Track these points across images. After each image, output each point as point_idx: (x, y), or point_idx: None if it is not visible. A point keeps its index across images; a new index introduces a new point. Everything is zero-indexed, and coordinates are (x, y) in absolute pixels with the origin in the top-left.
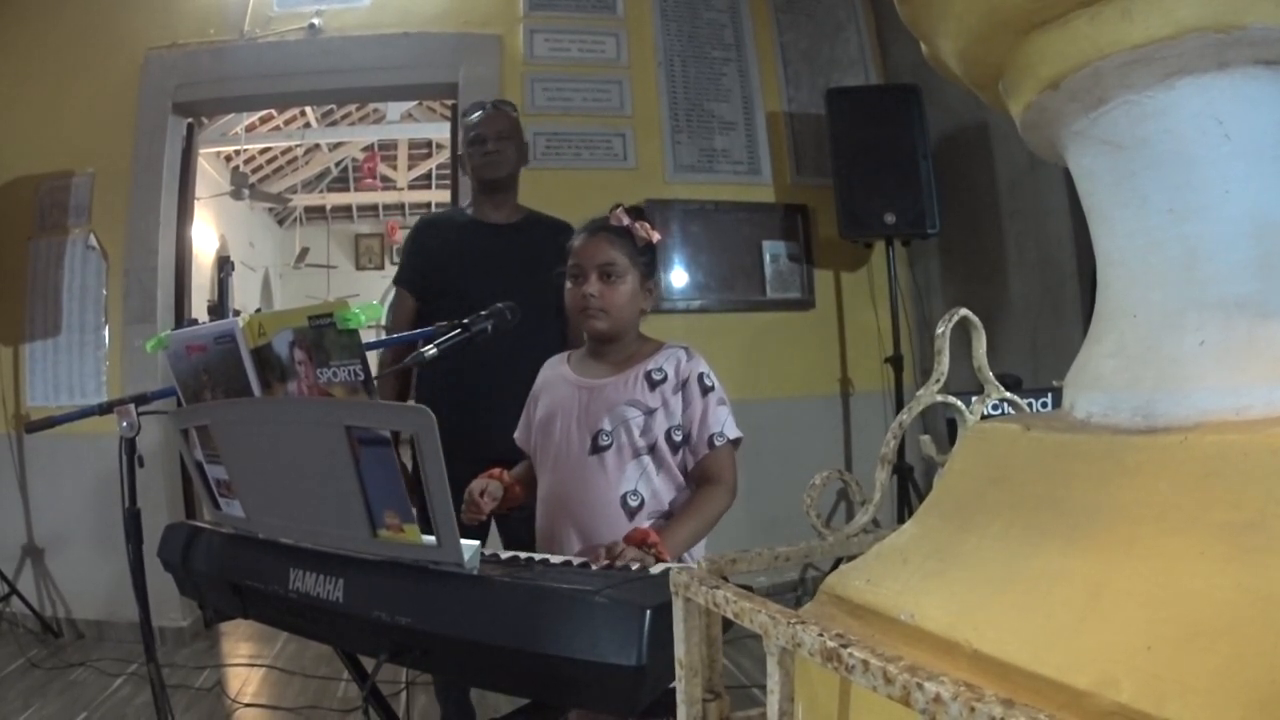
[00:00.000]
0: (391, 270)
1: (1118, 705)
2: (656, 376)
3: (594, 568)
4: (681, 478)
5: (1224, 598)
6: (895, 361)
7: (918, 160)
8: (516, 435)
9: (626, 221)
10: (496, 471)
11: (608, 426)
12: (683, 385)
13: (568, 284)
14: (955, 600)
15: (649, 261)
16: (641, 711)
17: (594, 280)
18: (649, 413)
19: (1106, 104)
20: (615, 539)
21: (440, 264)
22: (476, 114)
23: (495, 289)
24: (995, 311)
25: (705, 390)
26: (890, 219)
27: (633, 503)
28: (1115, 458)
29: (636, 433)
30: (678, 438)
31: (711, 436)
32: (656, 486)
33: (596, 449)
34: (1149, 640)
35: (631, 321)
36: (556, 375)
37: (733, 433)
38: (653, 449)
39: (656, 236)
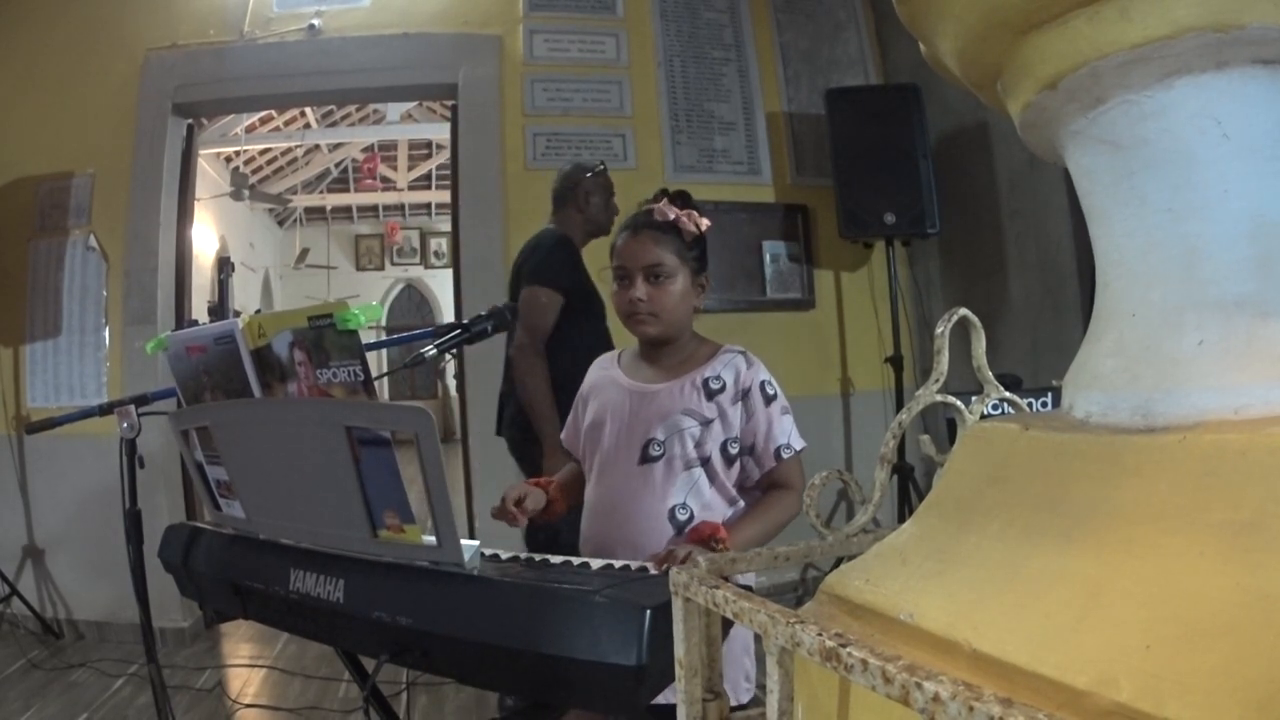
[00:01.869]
0: (392, 270)
1: (1117, 705)
2: (714, 385)
3: (653, 571)
4: (734, 491)
5: (1223, 597)
6: (895, 361)
7: (917, 160)
8: (563, 436)
9: (673, 215)
10: (544, 480)
11: (660, 436)
12: (744, 395)
13: (614, 286)
14: (954, 600)
15: (699, 255)
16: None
17: (640, 283)
18: (705, 423)
19: (1105, 104)
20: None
21: (583, 276)
22: (604, 167)
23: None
24: (995, 311)
25: (768, 400)
26: (890, 219)
27: (681, 516)
28: (1114, 457)
29: (690, 444)
30: (734, 450)
31: (779, 449)
32: (707, 500)
33: (646, 459)
34: (1148, 640)
35: (684, 322)
36: (607, 377)
37: (799, 443)
38: (706, 461)
39: (706, 224)
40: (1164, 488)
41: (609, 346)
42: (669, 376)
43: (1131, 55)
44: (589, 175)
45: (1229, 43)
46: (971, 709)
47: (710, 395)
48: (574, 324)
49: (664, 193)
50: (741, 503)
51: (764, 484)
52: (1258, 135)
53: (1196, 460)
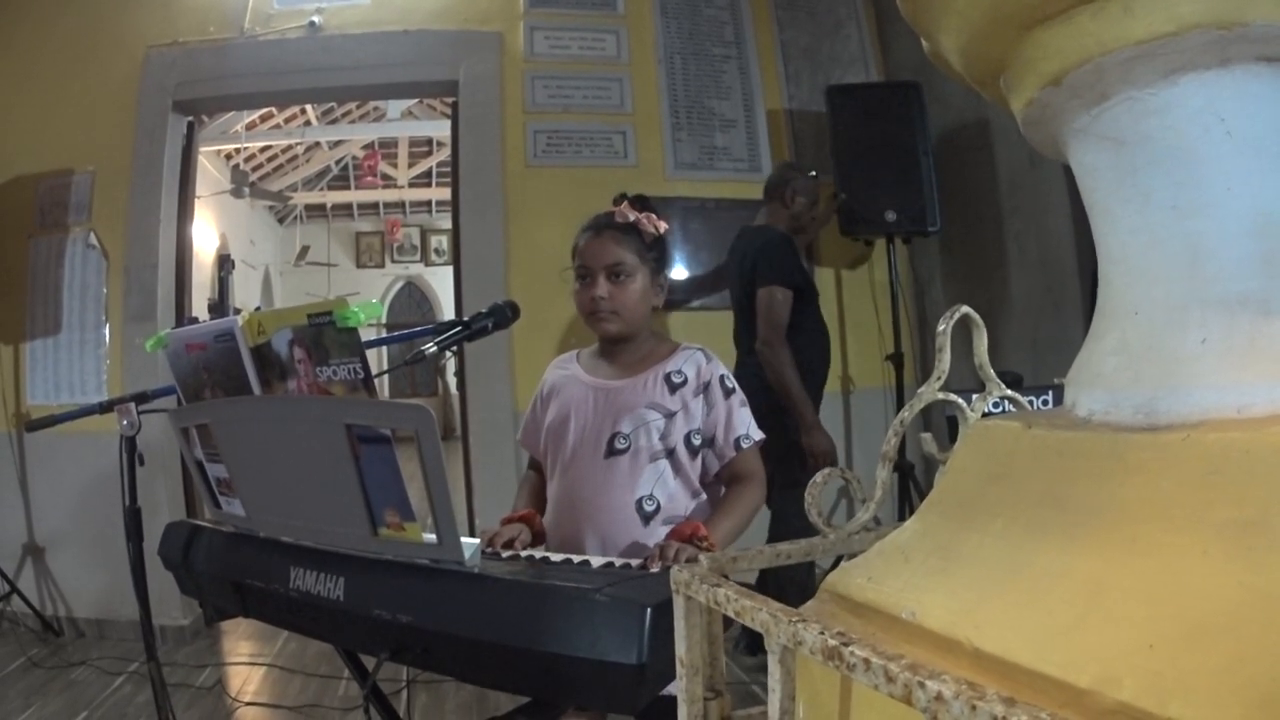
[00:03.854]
0: (393, 268)
1: (1119, 704)
2: (676, 379)
3: (653, 569)
4: (697, 483)
5: (1226, 596)
6: (896, 359)
7: (918, 157)
8: (520, 437)
9: (633, 217)
10: (530, 514)
11: (626, 429)
12: (704, 388)
13: (575, 285)
14: (956, 598)
15: (658, 256)
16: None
17: (602, 282)
18: (669, 416)
19: (1108, 100)
20: (631, 543)
21: (803, 268)
22: (815, 175)
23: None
24: (996, 309)
25: (727, 392)
26: (891, 216)
27: (648, 507)
28: (1117, 456)
29: (656, 436)
30: (697, 441)
31: (738, 439)
32: (672, 491)
33: (612, 452)
34: (1151, 638)
35: (644, 320)
36: (567, 376)
37: (757, 434)
38: (671, 453)
39: (664, 227)
40: (1167, 486)
41: (826, 331)
42: (631, 372)
43: (1136, 51)
44: (799, 176)
45: (1233, 40)
46: (974, 708)
47: (673, 389)
48: (802, 313)
49: (623, 196)
50: (704, 495)
51: (725, 476)
52: (1262, 133)
53: (1200, 459)
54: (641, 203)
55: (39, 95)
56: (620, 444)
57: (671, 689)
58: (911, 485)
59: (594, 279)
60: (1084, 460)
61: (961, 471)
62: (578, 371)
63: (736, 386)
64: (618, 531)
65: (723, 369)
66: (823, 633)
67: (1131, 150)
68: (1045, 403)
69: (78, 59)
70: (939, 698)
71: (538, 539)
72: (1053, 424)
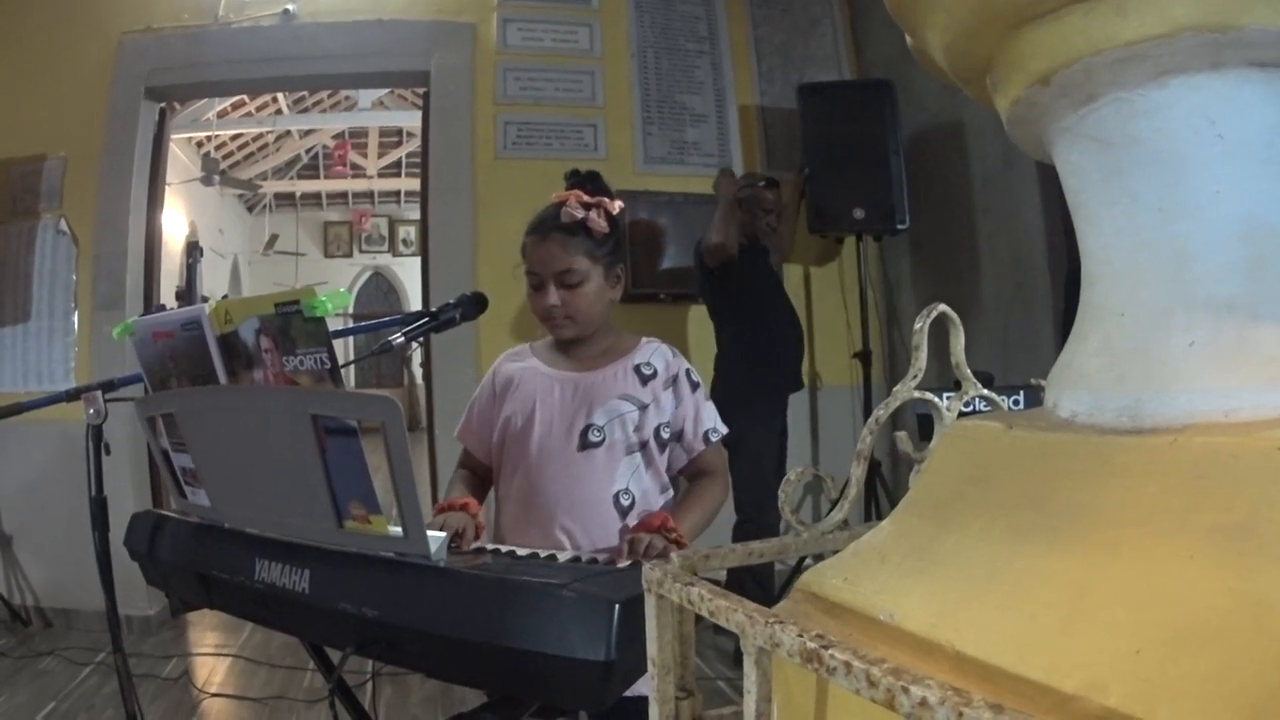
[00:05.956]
0: (360, 258)
1: (1106, 709)
2: (646, 371)
3: (620, 565)
4: (665, 477)
5: (1213, 602)
6: (863, 356)
7: (889, 156)
8: (459, 433)
9: (580, 214)
10: (469, 502)
11: (600, 421)
12: (673, 381)
13: (528, 289)
14: (936, 600)
15: (611, 249)
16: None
17: (553, 290)
18: (642, 408)
19: (1096, 101)
20: (607, 539)
21: (716, 283)
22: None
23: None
24: (966, 308)
25: (694, 386)
26: (859, 214)
27: (625, 501)
28: (1102, 458)
29: (630, 428)
30: (666, 435)
31: (706, 433)
32: (646, 485)
33: (586, 445)
34: (1137, 644)
35: (602, 317)
36: (527, 369)
37: (723, 428)
38: (644, 446)
39: (618, 207)
40: (1153, 489)
41: (765, 329)
42: (596, 365)
43: (1126, 52)
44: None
45: (1226, 44)
46: (961, 715)
47: (644, 380)
48: (723, 322)
49: (575, 173)
50: (672, 490)
51: (689, 471)
52: (1251, 138)
53: (1187, 463)
54: (594, 184)
55: (12, 81)
56: (594, 436)
57: (641, 688)
58: (878, 482)
59: (544, 285)
60: (1067, 462)
61: (940, 472)
62: (536, 364)
63: (701, 381)
64: (594, 526)
65: (687, 363)
66: (801, 635)
67: (1118, 151)
68: (1016, 403)
69: (52, 45)
70: (924, 703)
71: (479, 531)
72: (1034, 425)
